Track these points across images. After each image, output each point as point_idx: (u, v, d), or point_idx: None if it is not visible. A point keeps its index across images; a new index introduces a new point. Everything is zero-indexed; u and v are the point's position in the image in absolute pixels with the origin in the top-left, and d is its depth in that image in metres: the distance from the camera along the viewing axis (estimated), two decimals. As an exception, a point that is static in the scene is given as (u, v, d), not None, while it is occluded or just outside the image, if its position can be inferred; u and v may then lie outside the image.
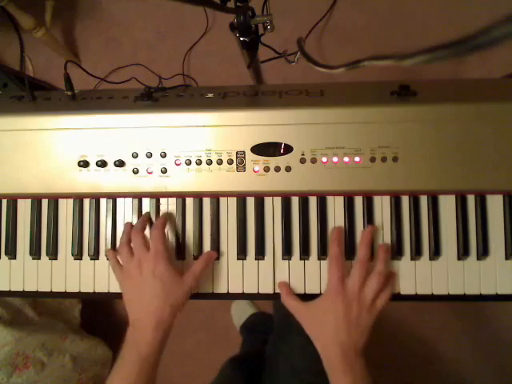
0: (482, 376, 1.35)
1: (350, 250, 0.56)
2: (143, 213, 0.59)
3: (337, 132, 0.52)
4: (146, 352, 0.50)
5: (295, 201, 0.57)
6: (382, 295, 0.53)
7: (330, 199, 0.57)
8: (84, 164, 0.55)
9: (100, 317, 1.39)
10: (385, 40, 1.37)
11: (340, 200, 0.57)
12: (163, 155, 0.54)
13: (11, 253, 0.60)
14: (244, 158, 0.54)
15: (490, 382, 1.35)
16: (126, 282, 0.55)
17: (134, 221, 0.59)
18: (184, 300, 0.54)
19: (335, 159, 0.53)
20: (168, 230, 0.58)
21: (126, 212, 0.59)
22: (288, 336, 0.76)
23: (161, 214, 0.59)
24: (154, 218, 0.59)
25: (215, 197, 0.58)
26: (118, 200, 0.59)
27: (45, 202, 0.60)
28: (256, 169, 0.54)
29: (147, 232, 0.57)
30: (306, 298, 0.55)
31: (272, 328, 0.89)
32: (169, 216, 0.58)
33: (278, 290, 0.57)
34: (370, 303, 0.52)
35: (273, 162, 0.54)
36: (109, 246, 0.59)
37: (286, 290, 0.56)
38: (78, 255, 0.59)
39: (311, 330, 0.53)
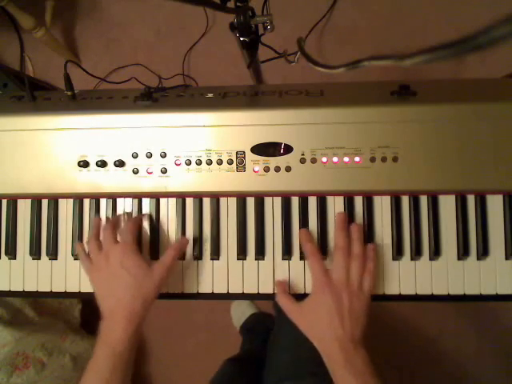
0: (482, 376, 1.35)
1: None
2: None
3: (337, 132, 0.52)
4: (119, 348, 0.49)
5: (295, 201, 0.57)
6: (366, 276, 0.52)
7: (329, 199, 0.57)
8: (84, 164, 0.55)
9: (100, 317, 1.39)
10: (385, 40, 1.37)
11: (340, 200, 0.57)
12: (163, 155, 0.54)
13: (11, 253, 0.60)
14: (244, 157, 0.54)
15: (490, 382, 1.35)
16: (95, 275, 0.54)
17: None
18: (155, 291, 0.53)
19: (335, 159, 0.53)
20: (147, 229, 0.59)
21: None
22: (287, 327, 0.76)
23: (133, 213, 0.59)
24: (153, 218, 0.59)
25: (215, 197, 0.58)
26: (118, 200, 0.59)
27: (45, 202, 0.60)
28: (256, 169, 0.54)
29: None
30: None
31: (271, 328, 0.89)
32: (146, 217, 0.59)
33: (276, 290, 0.57)
34: (358, 288, 0.51)
35: (273, 161, 0.54)
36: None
37: (282, 289, 0.55)
38: (77, 255, 0.59)
39: (306, 329, 0.52)
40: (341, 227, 0.54)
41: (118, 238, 0.55)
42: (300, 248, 0.57)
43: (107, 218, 0.59)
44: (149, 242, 0.58)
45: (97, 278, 0.54)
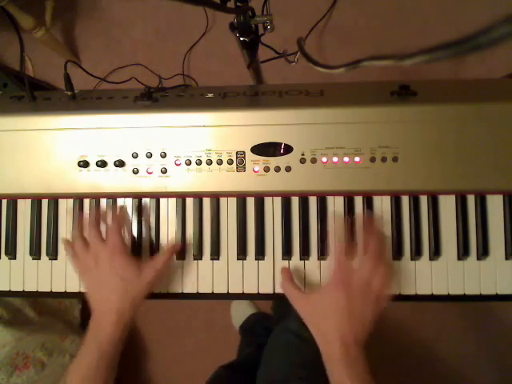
0: (482, 376, 1.35)
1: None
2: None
3: (337, 132, 0.52)
4: (106, 347, 0.49)
5: (295, 201, 0.57)
6: (385, 290, 0.51)
7: (330, 199, 0.57)
8: (84, 164, 0.55)
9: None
10: (385, 40, 1.37)
11: (340, 200, 0.57)
12: (163, 155, 0.54)
13: (11, 253, 0.60)
14: (244, 158, 0.54)
15: (490, 383, 1.35)
16: (85, 275, 0.55)
17: (134, 221, 0.59)
18: (144, 293, 0.53)
19: (335, 159, 0.53)
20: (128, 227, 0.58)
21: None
22: (284, 334, 0.76)
23: (118, 208, 0.58)
24: (152, 218, 0.59)
25: (215, 197, 0.58)
26: (118, 200, 0.59)
27: (45, 202, 0.60)
28: (256, 169, 0.54)
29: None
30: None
31: (270, 329, 0.89)
32: (125, 211, 0.58)
33: (278, 291, 0.57)
34: (376, 297, 0.50)
35: (273, 162, 0.54)
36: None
37: (288, 276, 0.54)
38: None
39: (310, 321, 0.51)
40: (375, 231, 0.52)
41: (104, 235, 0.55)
42: (300, 248, 0.57)
43: (90, 213, 0.58)
44: (149, 242, 0.58)
45: (87, 278, 0.55)
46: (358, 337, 0.48)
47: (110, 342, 0.50)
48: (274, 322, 0.95)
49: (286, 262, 0.57)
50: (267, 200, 0.58)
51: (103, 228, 0.57)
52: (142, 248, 0.59)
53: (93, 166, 0.55)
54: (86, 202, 0.59)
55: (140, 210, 0.59)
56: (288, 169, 0.54)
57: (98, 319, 0.52)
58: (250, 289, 0.57)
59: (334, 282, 0.50)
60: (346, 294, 0.49)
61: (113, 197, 0.59)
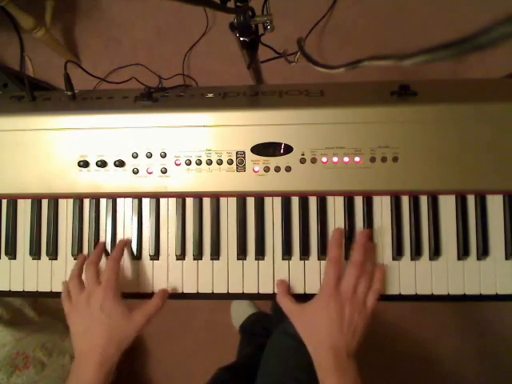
0: (482, 376, 1.35)
1: (349, 251, 0.56)
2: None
3: (337, 132, 0.52)
4: None
5: (295, 201, 0.57)
6: (372, 295, 0.52)
7: (329, 199, 0.57)
8: (84, 164, 0.55)
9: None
10: (385, 40, 1.37)
11: (340, 200, 0.57)
12: (163, 155, 0.54)
13: (11, 253, 0.60)
14: (244, 157, 0.54)
15: (490, 382, 1.35)
16: (73, 315, 0.54)
17: (134, 221, 0.59)
18: (132, 337, 0.52)
19: (335, 159, 0.53)
20: (124, 262, 0.58)
21: (126, 212, 0.59)
22: (282, 337, 0.77)
23: (118, 243, 0.58)
24: (152, 218, 0.59)
25: (215, 197, 0.58)
26: (118, 200, 0.59)
27: (45, 202, 0.60)
28: (256, 169, 0.54)
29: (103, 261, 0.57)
30: (306, 298, 0.55)
31: (270, 329, 0.89)
32: (127, 244, 0.58)
33: (277, 290, 0.57)
34: (362, 304, 0.51)
35: (273, 162, 0.54)
36: (108, 247, 0.59)
37: (283, 290, 0.55)
38: (77, 255, 0.59)
39: (303, 332, 0.53)
40: (362, 243, 0.53)
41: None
42: (300, 248, 0.57)
43: (92, 253, 0.57)
44: (148, 242, 0.58)
45: (74, 318, 0.54)
46: (348, 346, 0.50)
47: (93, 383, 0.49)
48: (274, 322, 0.95)
49: (285, 262, 0.57)
50: (267, 200, 0.58)
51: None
52: (141, 250, 0.59)
53: (93, 165, 0.55)
54: (86, 201, 0.59)
55: (140, 209, 0.59)
56: (288, 169, 0.54)
57: (81, 361, 0.51)
58: (250, 289, 0.57)
59: (323, 294, 0.52)
60: (334, 304, 0.51)
61: (113, 197, 0.59)
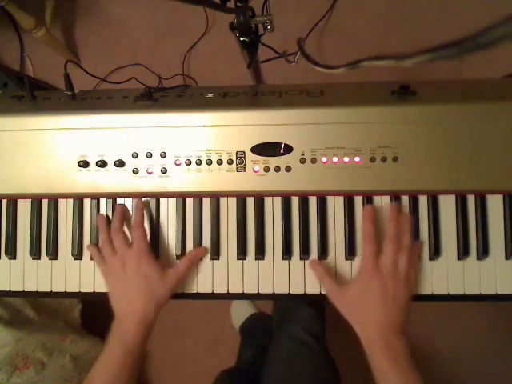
0: (481, 376, 1.35)
1: (350, 251, 0.56)
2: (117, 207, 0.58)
3: (337, 132, 0.52)
4: (130, 345, 0.51)
5: (295, 201, 0.57)
6: (412, 268, 0.52)
7: (330, 199, 0.57)
8: (84, 164, 0.55)
9: (100, 317, 1.39)
10: (385, 40, 1.37)
11: (340, 200, 0.57)
12: (163, 155, 0.54)
13: (11, 253, 0.60)
14: (244, 158, 0.54)
15: (490, 383, 1.35)
16: (111, 279, 0.56)
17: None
18: (167, 296, 0.55)
19: (335, 159, 0.53)
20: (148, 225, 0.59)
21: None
22: (285, 341, 0.77)
23: (135, 209, 0.58)
24: (152, 218, 0.59)
25: (215, 197, 0.58)
26: (118, 200, 0.59)
27: (45, 202, 0.60)
28: (256, 169, 0.54)
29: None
30: (306, 298, 0.55)
31: (270, 330, 0.89)
32: (145, 207, 0.58)
33: (278, 291, 0.57)
34: (405, 278, 0.51)
35: (273, 161, 0.54)
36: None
37: (323, 269, 0.55)
38: (77, 255, 0.59)
39: (347, 312, 0.52)
40: (394, 217, 0.53)
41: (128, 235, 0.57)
42: (300, 248, 0.57)
43: (113, 218, 0.57)
44: (148, 241, 0.58)
45: (113, 281, 0.55)
46: (396, 321, 0.50)
47: (134, 341, 0.51)
48: (274, 322, 0.95)
49: (285, 262, 0.57)
50: (267, 200, 0.58)
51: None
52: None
53: (93, 165, 0.55)
54: (86, 201, 0.59)
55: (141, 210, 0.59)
56: (288, 169, 0.54)
57: (121, 320, 0.53)
58: (250, 289, 0.57)
59: (363, 272, 0.52)
60: (376, 281, 0.51)
61: (113, 197, 0.59)
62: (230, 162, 0.54)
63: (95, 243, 0.59)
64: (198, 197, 0.58)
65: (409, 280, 0.52)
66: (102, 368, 0.51)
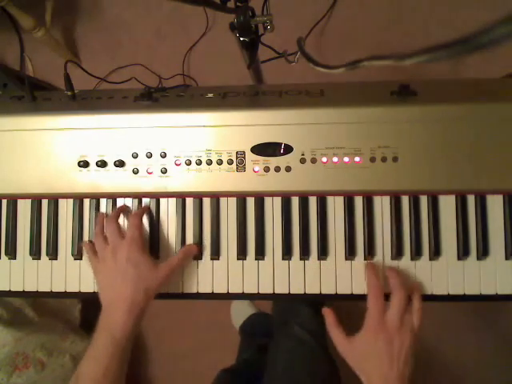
0: (481, 376, 1.35)
1: (350, 251, 0.56)
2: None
3: (337, 132, 0.52)
4: (119, 335, 0.49)
5: (295, 201, 0.57)
6: (416, 317, 0.52)
7: (330, 199, 0.57)
8: (84, 164, 0.55)
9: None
10: (385, 40, 1.37)
11: (340, 200, 0.57)
12: (163, 155, 0.54)
13: (11, 253, 0.60)
14: (244, 158, 0.54)
15: (490, 383, 1.35)
16: (100, 269, 0.55)
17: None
18: (157, 287, 0.54)
19: (335, 159, 0.53)
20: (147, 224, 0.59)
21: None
22: (285, 345, 0.77)
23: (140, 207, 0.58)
24: (152, 218, 0.59)
25: (215, 197, 0.58)
26: (118, 200, 0.59)
27: (45, 202, 0.60)
28: (256, 169, 0.54)
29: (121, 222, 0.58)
30: (307, 298, 0.55)
31: (270, 330, 0.89)
32: (147, 208, 0.59)
33: (277, 291, 0.57)
34: (411, 332, 0.51)
35: (273, 161, 0.54)
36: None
37: (333, 320, 0.55)
38: (77, 255, 0.59)
39: (354, 365, 0.53)
40: (397, 281, 0.53)
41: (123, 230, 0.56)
42: (300, 248, 0.57)
43: (111, 212, 0.58)
44: (149, 241, 0.58)
45: (102, 271, 0.55)
46: (402, 374, 0.50)
47: (122, 330, 0.50)
48: (274, 322, 0.95)
49: (285, 262, 0.57)
50: (267, 200, 0.58)
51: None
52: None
53: (93, 165, 0.55)
54: (86, 201, 0.59)
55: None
56: (288, 169, 0.54)
57: (109, 309, 0.52)
58: (250, 289, 0.57)
59: (370, 329, 0.52)
60: (383, 337, 0.51)
61: (113, 197, 0.59)
62: (230, 162, 0.54)
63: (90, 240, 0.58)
64: (198, 197, 0.58)
65: (413, 330, 0.52)
66: (92, 358, 0.50)
